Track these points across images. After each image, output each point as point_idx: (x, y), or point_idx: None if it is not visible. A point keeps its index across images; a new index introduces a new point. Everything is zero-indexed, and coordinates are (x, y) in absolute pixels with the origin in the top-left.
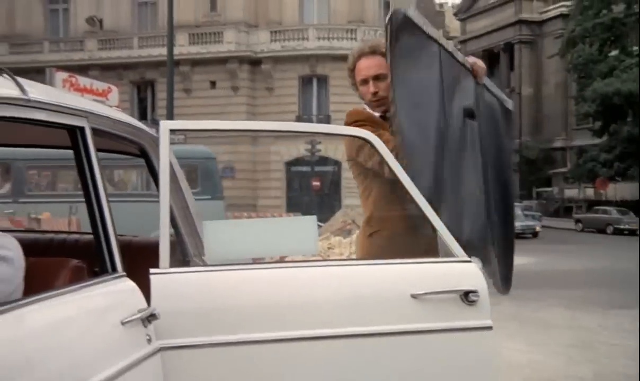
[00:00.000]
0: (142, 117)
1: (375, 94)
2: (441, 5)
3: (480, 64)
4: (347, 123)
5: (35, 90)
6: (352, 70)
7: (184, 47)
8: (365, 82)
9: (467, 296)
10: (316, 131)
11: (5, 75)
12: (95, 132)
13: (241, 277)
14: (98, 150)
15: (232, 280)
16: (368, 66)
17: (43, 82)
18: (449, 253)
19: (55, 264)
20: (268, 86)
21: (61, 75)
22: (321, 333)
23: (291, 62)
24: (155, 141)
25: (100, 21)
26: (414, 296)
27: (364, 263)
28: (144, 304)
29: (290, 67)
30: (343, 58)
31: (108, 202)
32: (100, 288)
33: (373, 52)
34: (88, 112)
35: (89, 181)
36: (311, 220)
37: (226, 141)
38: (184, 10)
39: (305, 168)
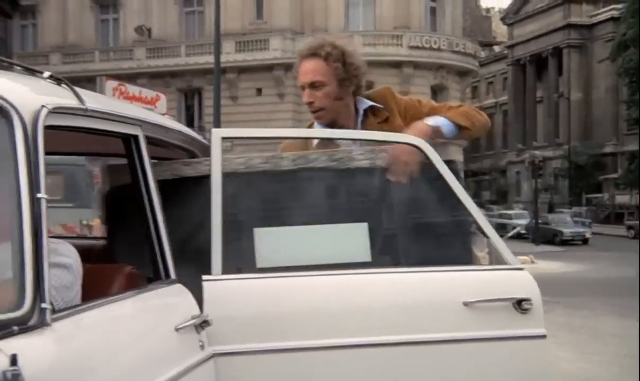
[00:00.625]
0: (189, 124)
1: (310, 103)
2: (488, 10)
3: (398, 165)
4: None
5: (92, 100)
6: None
7: (230, 55)
8: (303, 89)
9: (520, 305)
10: (364, 138)
11: (63, 85)
12: (149, 140)
13: (292, 284)
14: (151, 158)
15: (284, 287)
16: (304, 71)
17: (94, 90)
18: (500, 261)
19: (110, 270)
20: None
21: (111, 84)
22: (373, 340)
23: None
24: (207, 149)
25: (149, 30)
26: (466, 304)
27: (416, 270)
28: (197, 310)
29: None
30: (389, 64)
31: (161, 208)
32: (155, 294)
33: (312, 54)
34: (142, 120)
35: (143, 188)
36: (362, 227)
37: (273, 148)
38: (230, 18)
39: None
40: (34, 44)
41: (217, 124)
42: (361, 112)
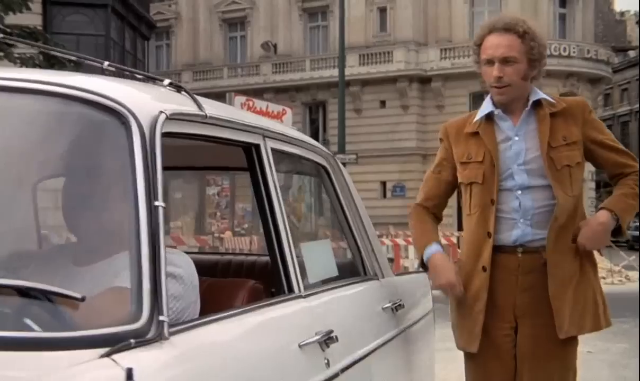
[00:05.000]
0: (314, 137)
1: (499, 78)
2: (622, 13)
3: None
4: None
5: (211, 107)
6: (479, 46)
7: (354, 68)
8: (490, 62)
9: None
10: None
11: (183, 92)
12: (272, 150)
13: None
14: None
15: None
16: (497, 44)
17: None
18: None
19: (233, 285)
20: (438, 104)
21: (239, 99)
22: None
23: (461, 79)
24: (334, 159)
25: (275, 46)
26: None
27: None
28: (322, 327)
29: (461, 84)
30: None
31: (284, 221)
32: (279, 309)
33: (507, 29)
34: (264, 129)
35: (265, 200)
36: None
37: (397, 160)
38: (354, 32)
39: None
40: (167, 63)
41: (342, 137)
42: (531, 101)
